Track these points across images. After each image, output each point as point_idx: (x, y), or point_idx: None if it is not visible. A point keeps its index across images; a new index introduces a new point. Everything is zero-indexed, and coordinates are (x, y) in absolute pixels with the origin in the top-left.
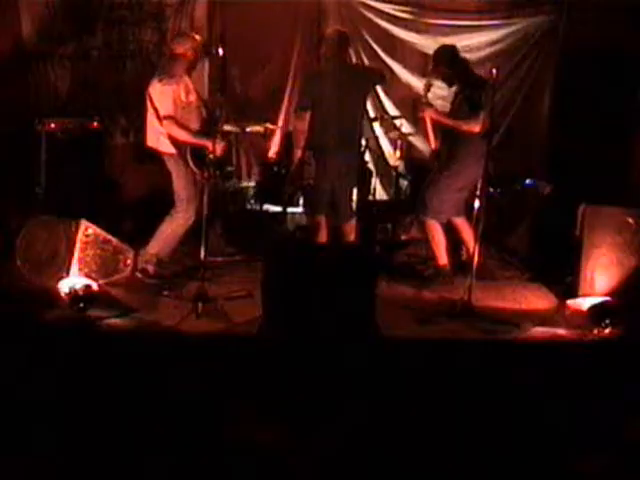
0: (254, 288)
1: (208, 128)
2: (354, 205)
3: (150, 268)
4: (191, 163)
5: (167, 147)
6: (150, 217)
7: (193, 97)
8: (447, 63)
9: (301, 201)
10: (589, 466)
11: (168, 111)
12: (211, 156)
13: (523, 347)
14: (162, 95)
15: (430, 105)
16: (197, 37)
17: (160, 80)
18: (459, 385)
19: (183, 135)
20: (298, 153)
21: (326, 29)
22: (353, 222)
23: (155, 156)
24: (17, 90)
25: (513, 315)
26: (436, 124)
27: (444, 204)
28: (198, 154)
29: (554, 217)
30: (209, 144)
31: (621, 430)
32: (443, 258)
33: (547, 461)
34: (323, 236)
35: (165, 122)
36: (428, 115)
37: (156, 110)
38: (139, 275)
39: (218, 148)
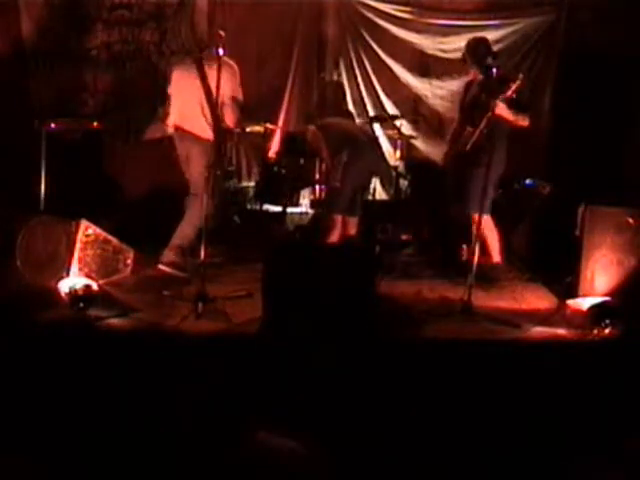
0: (254, 288)
1: None
2: None
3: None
4: (211, 153)
5: (208, 134)
6: (150, 217)
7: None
8: (483, 57)
9: (304, 200)
10: (589, 467)
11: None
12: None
13: (523, 347)
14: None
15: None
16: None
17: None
18: (459, 385)
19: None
20: (325, 154)
21: (326, 29)
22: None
23: (154, 155)
24: (17, 90)
25: (513, 315)
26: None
27: (489, 199)
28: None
29: (554, 217)
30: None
31: (622, 431)
32: (498, 255)
33: (547, 462)
34: (336, 235)
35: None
36: (500, 111)
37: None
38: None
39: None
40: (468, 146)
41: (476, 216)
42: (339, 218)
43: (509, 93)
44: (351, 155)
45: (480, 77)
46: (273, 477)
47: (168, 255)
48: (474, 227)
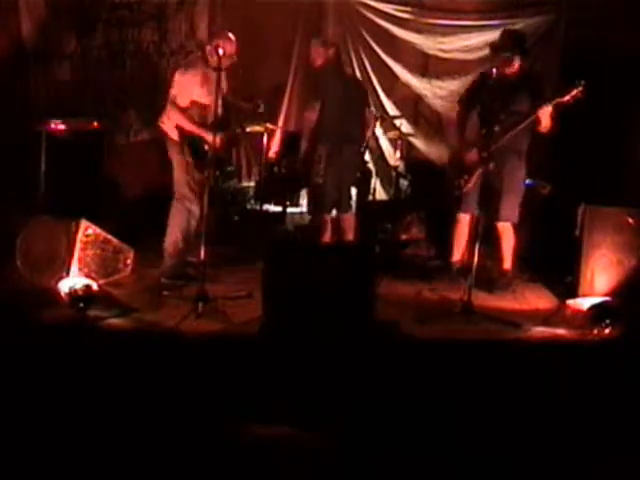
0: (254, 288)
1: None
2: (353, 204)
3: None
4: (187, 153)
5: (173, 134)
6: (150, 217)
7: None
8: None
9: (304, 200)
10: (588, 467)
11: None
12: (206, 147)
13: (523, 347)
14: (177, 82)
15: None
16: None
17: (181, 68)
18: (459, 385)
19: (183, 122)
20: (306, 146)
21: (326, 29)
22: (352, 217)
23: (154, 155)
24: (17, 90)
25: (513, 315)
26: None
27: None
28: (197, 147)
29: (554, 217)
30: (208, 137)
31: (621, 431)
32: (509, 263)
33: (547, 462)
34: (328, 235)
35: (169, 105)
36: (546, 116)
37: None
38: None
39: (217, 140)
40: (494, 147)
41: (500, 223)
42: (328, 218)
43: (567, 98)
44: (331, 149)
45: (515, 70)
46: (268, 467)
47: (166, 282)
48: (479, 227)
